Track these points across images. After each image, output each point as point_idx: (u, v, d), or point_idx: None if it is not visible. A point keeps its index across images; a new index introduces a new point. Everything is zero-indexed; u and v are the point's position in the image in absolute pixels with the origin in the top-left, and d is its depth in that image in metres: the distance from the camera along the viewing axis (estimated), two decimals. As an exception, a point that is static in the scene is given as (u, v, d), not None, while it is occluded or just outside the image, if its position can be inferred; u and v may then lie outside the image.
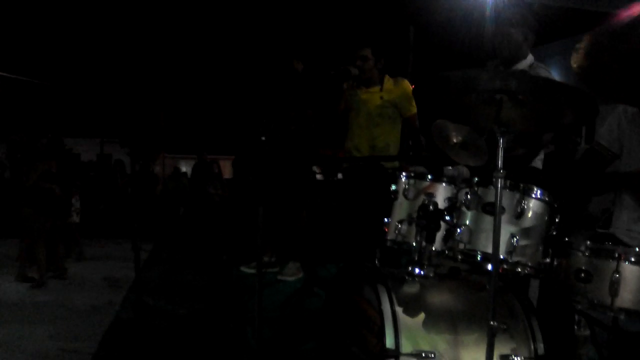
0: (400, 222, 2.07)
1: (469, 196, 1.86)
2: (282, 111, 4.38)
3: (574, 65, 1.60)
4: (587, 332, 2.10)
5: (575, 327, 2.10)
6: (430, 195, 1.98)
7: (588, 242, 1.77)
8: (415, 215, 1.97)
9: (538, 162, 2.86)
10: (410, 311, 1.82)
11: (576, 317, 2.05)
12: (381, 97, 3.86)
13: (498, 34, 2.76)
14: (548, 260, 1.84)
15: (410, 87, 3.87)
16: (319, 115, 4.40)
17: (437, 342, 1.78)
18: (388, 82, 3.91)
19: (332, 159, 4.84)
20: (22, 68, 13.59)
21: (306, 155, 4.38)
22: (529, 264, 1.82)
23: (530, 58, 2.80)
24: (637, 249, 1.69)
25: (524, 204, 1.80)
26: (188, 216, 8.91)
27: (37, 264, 5.53)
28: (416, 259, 1.93)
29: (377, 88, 3.89)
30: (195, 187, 9.33)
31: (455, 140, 2.40)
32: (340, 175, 4.48)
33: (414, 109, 3.86)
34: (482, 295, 1.92)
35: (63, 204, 6.06)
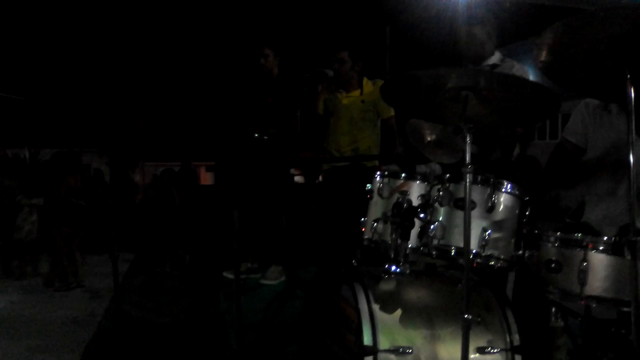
0: (376, 220, 2.09)
1: (441, 193, 1.90)
2: (261, 114, 4.38)
3: (537, 61, 1.64)
4: (563, 323, 2.15)
5: (553, 318, 2.14)
6: (404, 193, 2.01)
7: (558, 233, 1.81)
8: (390, 213, 2.00)
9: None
10: (387, 308, 1.84)
11: (553, 308, 2.10)
12: (362, 101, 3.89)
13: (462, 34, 2.81)
14: (520, 252, 1.88)
15: None
16: (299, 118, 4.41)
17: (414, 337, 1.80)
18: (367, 84, 3.94)
19: (312, 160, 4.86)
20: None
21: (285, 159, 4.38)
22: (502, 257, 1.86)
23: (497, 55, 2.86)
24: (605, 238, 1.73)
25: (495, 198, 1.84)
26: (169, 223, 8.83)
27: (67, 270, 5.66)
28: (392, 256, 1.96)
29: (357, 92, 3.92)
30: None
31: (429, 139, 2.45)
32: (321, 178, 4.50)
33: (392, 111, 3.89)
34: (458, 290, 1.95)
35: (88, 218, 6.27)
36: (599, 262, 1.69)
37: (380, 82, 3.95)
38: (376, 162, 3.89)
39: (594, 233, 2.20)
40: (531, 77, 2.80)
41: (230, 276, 4.38)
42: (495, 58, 2.86)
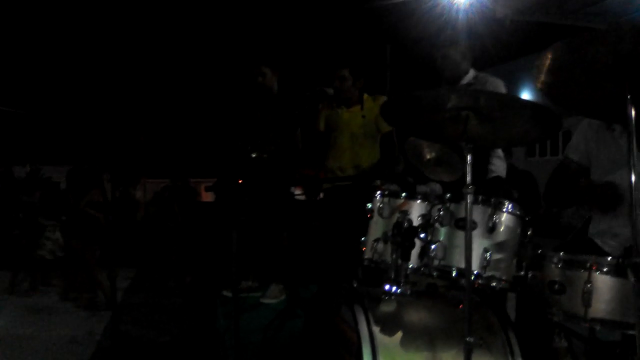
0: (376, 240, 2.08)
1: (441, 212, 1.88)
2: (261, 132, 4.38)
3: (537, 82, 1.64)
4: (566, 344, 2.11)
5: (556, 338, 2.11)
6: (405, 213, 2.00)
7: (561, 254, 1.79)
8: (390, 233, 1.98)
9: (502, 172, 2.92)
10: (388, 330, 1.81)
11: (556, 329, 2.07)
12: (363, 116, 3.90)
13: (437, 56, 2.85)
14: (522, 273, 1.85)
15: None
16: (300, 136, 4.42)
17: (415, 360, 1.77)
18: (368, 100, 3.95)
19: (314, 179, 4.85)
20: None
21: (286, 176, 4.37)
22: (504, 278, 1.83)
23: (471, 72, 2.89)
24: (609, 259, 1.70)
25: (496, 218, 1.83)
26: (170, 241, 8.80)
27: (102, 288, 5.60)
28: (392, 277, 1.94)
29: (357, 107, 3.93)
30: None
31: (428, 157, 2.45)
32: (322, 195, 4.48)
33: None
34: (459, 311, 1.93)
35: (107, 233, 6.24)
36: (603, 283, 1.66)
37: (380, 98, 3.97)
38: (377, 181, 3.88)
39: (597, 248, 2.18)
40: (503, 89, 2.86)
41: (230, 295, 4.35)
42: (469, 76, 2.90)
